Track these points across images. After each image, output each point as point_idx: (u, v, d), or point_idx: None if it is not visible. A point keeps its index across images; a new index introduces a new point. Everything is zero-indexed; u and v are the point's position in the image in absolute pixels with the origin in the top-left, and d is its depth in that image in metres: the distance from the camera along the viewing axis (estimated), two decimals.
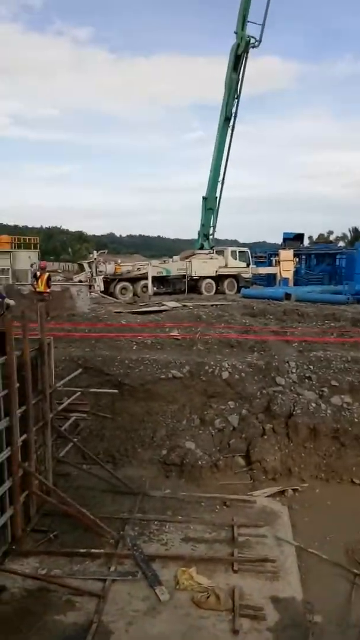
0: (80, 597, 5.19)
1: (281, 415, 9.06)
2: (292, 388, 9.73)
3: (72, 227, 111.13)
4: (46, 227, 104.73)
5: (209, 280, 28.42)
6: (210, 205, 29.10)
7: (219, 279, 28.87)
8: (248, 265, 30.17)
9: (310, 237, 68.17)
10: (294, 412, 9.01)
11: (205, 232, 29.71)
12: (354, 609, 5.24)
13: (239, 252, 30.33)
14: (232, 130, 28.06)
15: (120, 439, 9.24)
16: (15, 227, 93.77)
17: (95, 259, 24.77)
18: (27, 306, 13.97)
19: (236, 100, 27.41)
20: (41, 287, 13.36)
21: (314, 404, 9.20)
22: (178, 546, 6.18)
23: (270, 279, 32.49)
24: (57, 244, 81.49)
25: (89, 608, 5.04)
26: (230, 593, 5.23)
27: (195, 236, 30.57)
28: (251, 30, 26.16)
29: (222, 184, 28.97)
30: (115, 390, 9.02)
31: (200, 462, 8.34)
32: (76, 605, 5.09)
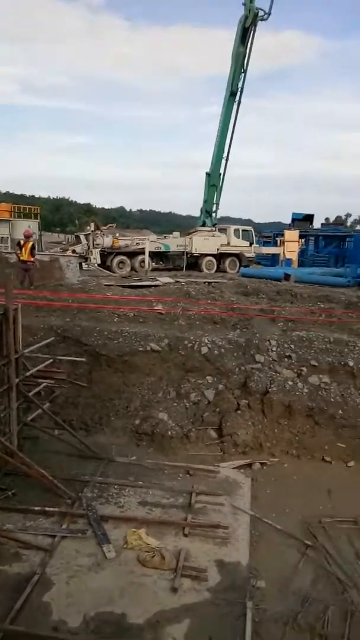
0: (28, 551, 5.30)
1: (257, 392, 9.08)
2: (270, 366, 9.72)
3: (81, 199, 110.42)
4: (54, 198, 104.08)
5: (209, 258, 28.29)
6: (213, 182, 28.77)
7: (220, 257, 28.72)
8: (251, 244, 29.95)
9: (327, 219, 67.46)
10: (270, 389, 9.02)
11: (208, 209, 29.46)
12: (298, 578, 5.31)
13: (242, 230, 30.08)
14: (238, 106, 27.61)
15: (94, 408, 9.32)
16: (22, 196, 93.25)
17: (92, 231, 24.63)
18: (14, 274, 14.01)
19: (243, 75, 26.89)
20: (25, 256, 13.32)
21: (290, 382, 9.19)
22: (134, 509, 6.27)
23: (275, 259, 32.28)
24: (64, 216, 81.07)
25: (35, 561, 5.15)
26: (176, 554, 5.32)
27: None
28: (260, 2, 25.48)
29: (227, 160, 28.64)
30: (83, 359, 9.06)
31: (170, 433, 8.40)
32: (23, 557, 5.21)
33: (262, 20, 25.86)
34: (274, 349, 10.06)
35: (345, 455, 8.11)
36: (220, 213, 31.02)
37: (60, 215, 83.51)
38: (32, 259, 13.49)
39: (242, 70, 27.11)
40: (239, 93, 27.51)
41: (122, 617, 4.48)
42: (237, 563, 5.35)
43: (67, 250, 25.01)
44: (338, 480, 7.47)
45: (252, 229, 30.75)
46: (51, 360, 8.74)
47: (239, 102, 27.66)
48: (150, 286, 15.71)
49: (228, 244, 28.81)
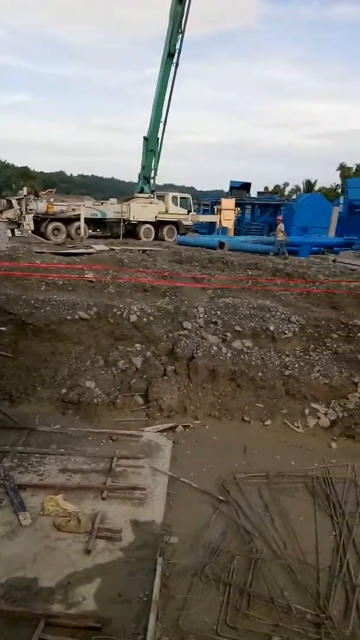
0: None
1: (183, 358, 9.27)
2: (197, 332, 9.91)
3: (19, 162, 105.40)
4: None
5: (147, 225, 27.98)
6: (151, 147, 28.25)
7: (158, 224, 28.48)
8: (189, 212, 29.84)
9: (265, 188, 68.10)
10: (196, 355, 9.23)
11: (146, 175, 28.99)
12: (210, 532, 5.58)
13: (180, 198, 29.85)
14: (176, 68, 26.98)
15: (20, 378, 9.18)
16: None
17: (25, 195, 23.65)
18: None
19: (181, 35, 26.17)
20: None
21: (215, 348, 9.44)
22: (54, 476, 6.32)
23: (212, 228, 32.43)
24: (1, 180, 77.19)
25: None
26: (92, 517, 5.45)
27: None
28: None
29: (165, 124, 28.12)
30: (3, 328, 8.86)
31: (96, 400, 8.46)
32: None
33: None
34: (201, 315, 10.25)
35: (263, 415, 8.50)
36: (164, 180, 30.84)
37: None
38: None
39: (180, 31, 26.36)
40: (176, 54, 26.83)
41: (33, 581, 4.57)
42: (152, 522, 5.55)
43: None
44: (255, 439, 7.84)
45: (190, 197, 30.56)
46: None
47: (177, 64, 27.01)
48: (83, 254, 15.41)
49: (166, 211, 28.55)
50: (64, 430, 7.57)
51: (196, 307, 10.41)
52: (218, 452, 7.40)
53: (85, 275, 11.55)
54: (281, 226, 20.60)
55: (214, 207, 34.76)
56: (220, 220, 29.78)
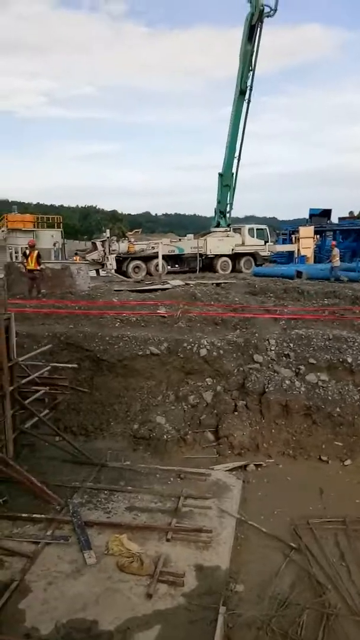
0: (11, 557, 5.41)
1: (254, 392, 9.03)
2: (269, 365, 9.64)
3: (108, 207, 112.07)
4: (82, 207, 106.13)
5: (224, 258, 28.21)
6: (226, 182, 28.69)
7: (235, 257, 28.60)
8: (266, 242, 29.70)
9: (350, 212, 65.86)
10: (267, 389, 8.95)
11: (221, 210, 29.39)
12: (278, 582, 5.24)
13: (257, 229, 29.90)
14: (248, 104, 27.50)
15: (95, 413, 9.43)
16: (52, 206, 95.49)
17: (108, 237, 24.91)
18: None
19: (251, 73, 26.71)
20: (31, 265, 13.59)
21: (288, 381, 9.09)
22: (120, 514, 6.31)
23: (291, 257, 31.87)
24: (91, 223, 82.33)
25: (16, 568, 5.24)
26: (155, 560, 5.33)
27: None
28: None
29: (239, 160, 28.54)
30: (75, 365, 9.18)
31: (166, 437, 8.43)
32: (5, 564, 5.31)
33: (268, 17, 25.65)
34: (273, 348, 9.98)
35: (342, 454, 7.98)
36: (244, 212, 31.30)
37: (88, 223, 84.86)
38: (38, 268, 13.76)
39: (250, 69, 26.95)
40: (248, 91, 27.39)
41: (93, 623, 4.52)
42: (217, 567, 5.32)
43: (84, 258, 25.36)
44: (332, 479, 7.36)
45: (266, 228, 30.50)
46: (49, 367, 8.89)
47: (249, 100, 27.56)
48: (158, 290, 15.77)
49: (243, 243, 28.67)
50: (133, 467, 7.59)
51: (267, 340, 10.15)
52: (291, 494, 7.02)
53: (158, 311, 11.77)
54: (335, 251, 20.41)
55: (292, 236, 34.21)
56: (298, 249, 29.22)
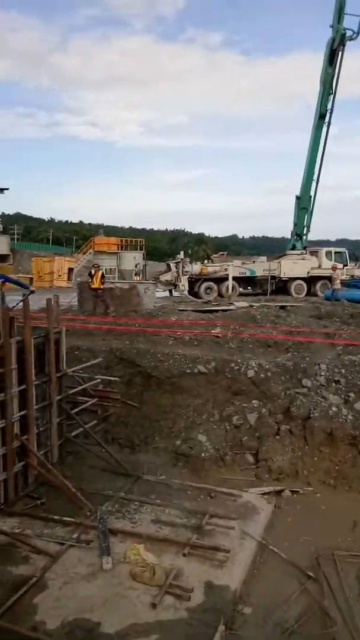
0: (37, 555, 5.79)
1: (299, 417, 8.88)
2: (317, 391, 9.44)
3: (196, 230, 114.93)
4: (171, 230, 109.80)
5: (299, 281, 27.75)
6: (303, 205, 28.43)
7: (311, 280, 28.03)
8: (344, 266, 28.80)
9: None
10: (312, 415, 8.77)
11: (298, 232, 29.11)
12: (288, 609, 5.15)
13: (335, 252, 29.14)
14: (328, 127, 27.22)
15: (142, 427, 9.76)
16: (143, 229, 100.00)
17: (182, 259, 25.59)
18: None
19: (332, 97, 26.50)
20: (96, 284, 14.43)
21: (335, 408, 8.85)
22: (145, 526, 6.50)
23: None
24: (178, 246, 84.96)
25: (39, 565, 5.61)
26: (168, 572, 5.45)
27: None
28: (348, 23, 25.14)
29: (317, 182, 28.19)
30: (117, 378, 9.60)
31: (204, 455, 8.53)
32: (30, 561, 5.70)
33: (350, 40, 25.48)
34: (323, 373, 9.75)
35: None
36: (337, 235, 30.84)
37: (175, 246, 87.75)
38: (101, 287, 14.57)
39: (331, 92, 26.79)
40: (328, 115, 27.19)
41: (96, 625, 4.73)
42: (226, 587, 5.32)
43: (158, 278, 26.23)
44: None
45: (345, 251, 29.60)
46: (98, 380, 9.41)
47: (329, 123, 27.34)
48: (219, 310, 15.96)
49: (319, 266, 28.04)
50: (167, 482, 7.77)
51: (318, 364, 9.94)
52: (322, 524, 6.82)
53: (212, 331, 11.95)
54: (337, 272, 22.79)
55: None
56: None
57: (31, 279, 36.40)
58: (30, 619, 4.81)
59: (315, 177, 28.12)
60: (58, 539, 6.11)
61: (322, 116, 27.10)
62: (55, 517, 6.54)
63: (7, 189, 42.82)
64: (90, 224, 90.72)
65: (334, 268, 23.88)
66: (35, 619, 4.81)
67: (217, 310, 16.18)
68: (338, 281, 22.19)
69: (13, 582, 5.31)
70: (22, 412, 7.17)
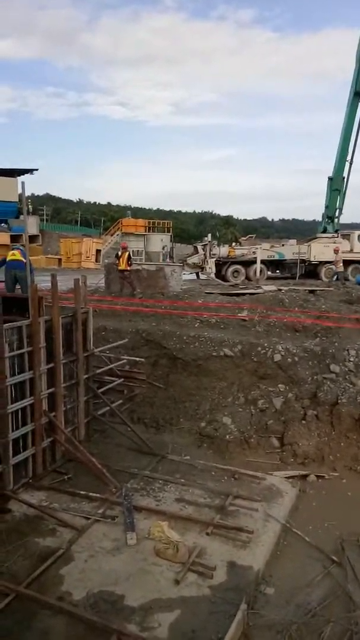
0: (63, 528, 5.93)
1: (326, 403, 8.80)
2: (346, 376, 9.30)
3: (224, 212, 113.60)
4: (199, 212, 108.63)
5: (329, 265, 27.15)
6: (336, 186, 27.74)
7: (342, 264, 27.39)
8: None
9: None
10: (340, 401, 8.66)
11: (329, 215, 28.47)
12: (311, 591, 5.15)
13: None
14: None
15: (168, 408, 9.82)
16: (170, 211, 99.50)
17: (209, 242, 25.35)
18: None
19: None
20: (122, 265, 14.45)
21: None
22: (169, 504, 6.58)
23: None
24: (206, 228, 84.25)
25: (65, 538, 5.75)
26: (191, 550, 5.52)
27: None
28: None
29: (351, 163, 27.39)
30: (142, 359, 9.66)
31: (228, 437, 8.55)
32: (57, 534, 5.85)
33: None
34: (352, 359, 9.58)
35: None
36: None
37: (202, 228, 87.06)
38: (128, 268, 14.59)
39: None
40: None
41: (120, 597, 4.83)
42: (249, 567, 5.36)
43: (185, 261, 26.09)
44: None
45: None
46: (124, 361, 9.48)
47: None
48: (247, 294, 15.81)
49: (351, 250, 27.37)
50: (191, 462, 7.82)
51: (347, 350, 9.77)
52: (347, 510, 6.78)
53: (239, 314, 11.86)
54: (339, 255, 22.66)
55: None
56: None
57: (60, 259, 36.83)
58: (57, 589, 4.95)
59: (349, 157, 27.36)
60: (84, 513, 6.25)
61: (357, 94, 26.20)
62: (82, 492, 6.67)
63: (36, 169, 43.17)
64: (118, 205, 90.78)
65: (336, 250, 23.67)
66: (62, 589, 4.94)
67: (244, 294, 16.02)
68: (341, 264, 22.55)
69: (40, 553, 5.46)
70: (50, 390, 7.30)
